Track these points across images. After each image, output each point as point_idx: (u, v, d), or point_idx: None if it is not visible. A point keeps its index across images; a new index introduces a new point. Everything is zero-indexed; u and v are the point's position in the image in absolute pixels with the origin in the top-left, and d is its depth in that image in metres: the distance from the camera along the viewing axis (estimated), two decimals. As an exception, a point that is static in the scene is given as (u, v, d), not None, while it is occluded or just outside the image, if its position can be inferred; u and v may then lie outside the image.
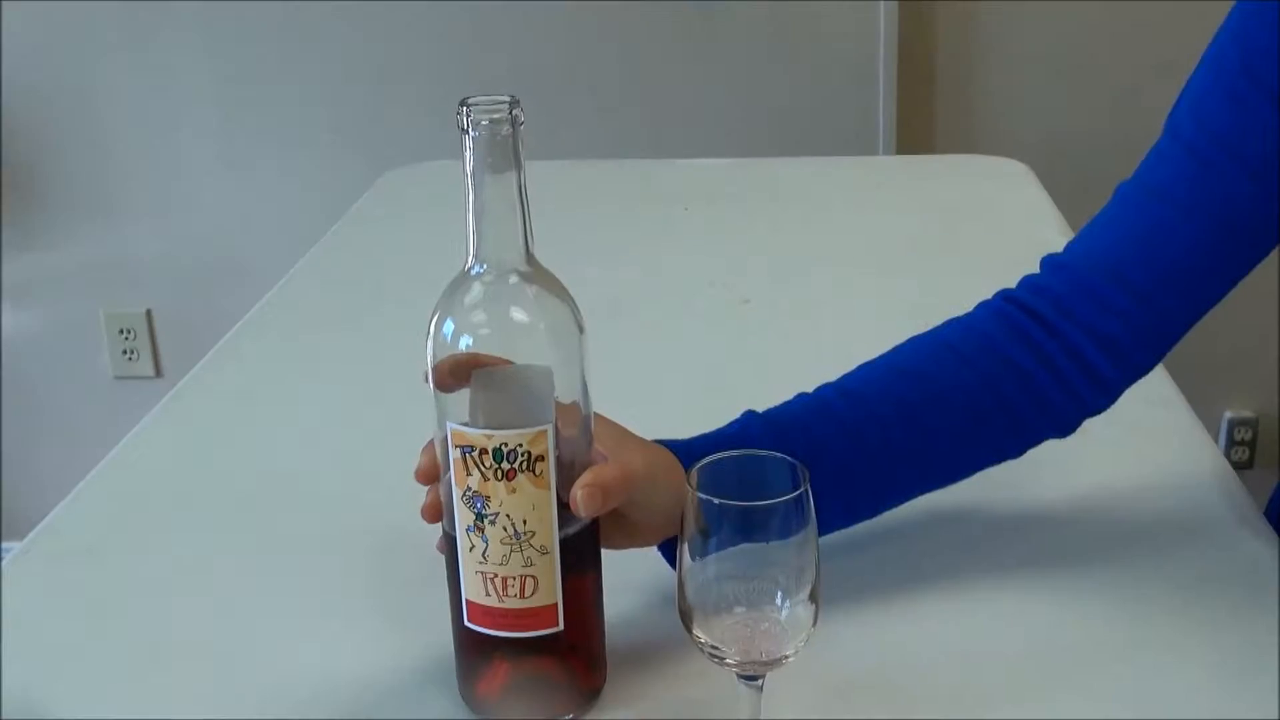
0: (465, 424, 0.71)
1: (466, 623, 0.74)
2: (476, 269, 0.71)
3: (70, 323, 2.47)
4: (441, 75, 2.28)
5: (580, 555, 0.74)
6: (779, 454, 0.69)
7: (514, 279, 0.71)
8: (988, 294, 1.38)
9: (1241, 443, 2.42)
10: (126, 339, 2.47)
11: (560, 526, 0.72)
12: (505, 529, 0.71)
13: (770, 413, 0.84)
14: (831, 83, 2.28)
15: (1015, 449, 0.88)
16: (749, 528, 0.66)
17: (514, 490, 0.70)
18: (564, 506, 0.72)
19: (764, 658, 0.68)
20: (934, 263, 1.47)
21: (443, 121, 2.47)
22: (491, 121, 0.69)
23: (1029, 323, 0.87)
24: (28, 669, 0.82)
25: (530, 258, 0.71)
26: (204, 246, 2.42)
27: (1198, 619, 0.83)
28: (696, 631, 0.68)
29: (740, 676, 0.69)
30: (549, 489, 0.71)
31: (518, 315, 0.72)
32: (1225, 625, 0.82)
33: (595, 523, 0.75)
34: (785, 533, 0.66)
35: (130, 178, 2.38)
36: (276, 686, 0.80)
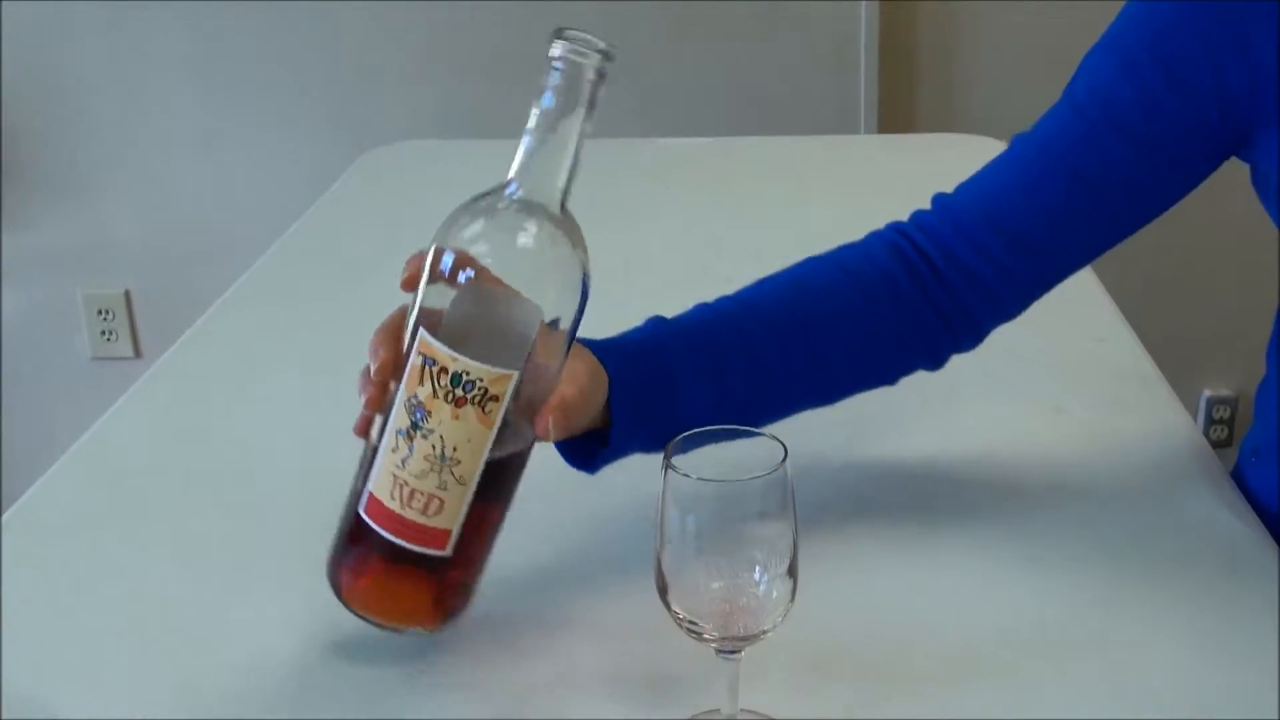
0: (437, 337, 0.70)
1: (360, 511, 0.74)
2: (510, 190, 0.71)
3: (48, 304, 2.46)
4: (421, 55, 2.27)
5: (495, 491, 0.74)
6: (757, 430, 0.68)
7: (540, 212, 0.71)
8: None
9: (1220, 421, 2.43)
10: (105, 320, 2.45)
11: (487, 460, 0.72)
12: (434, 447, 0.71)
13: (675, 318, 0.87)
14: (813, 69, 2.27)
15: (893, 375, 0.92)
16: (727, 504, 0.66)
17: (458, 417, 0.70)
18: (496, 440, 0.72)
19: (742, 633, 0.68)
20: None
21: (422, 101, 2.48)
22: (582, 58, 0.71)
23: (916, 258, 0.90)
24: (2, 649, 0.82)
25: (563, 204, 0.72)
26: (182, 227, 2.41)
27: (1174, 594, 0.83)
28: (675, 607, 0.68)
29: (718, 651, 0.69)
30: (491, 429, 0.71)
31: (528, 242, 0.72)
32: (1201, 601, 0.82)
33: (521, 462, 0.76)
34: (764, 509, 0.66)
35: (108, 159, 2.37)
36: (253, 666, 0.80)
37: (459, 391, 0.70)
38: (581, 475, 0.84)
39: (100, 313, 2.45)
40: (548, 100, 0.70)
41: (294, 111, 2.33)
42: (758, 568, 0.67)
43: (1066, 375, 1.13)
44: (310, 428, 1.08)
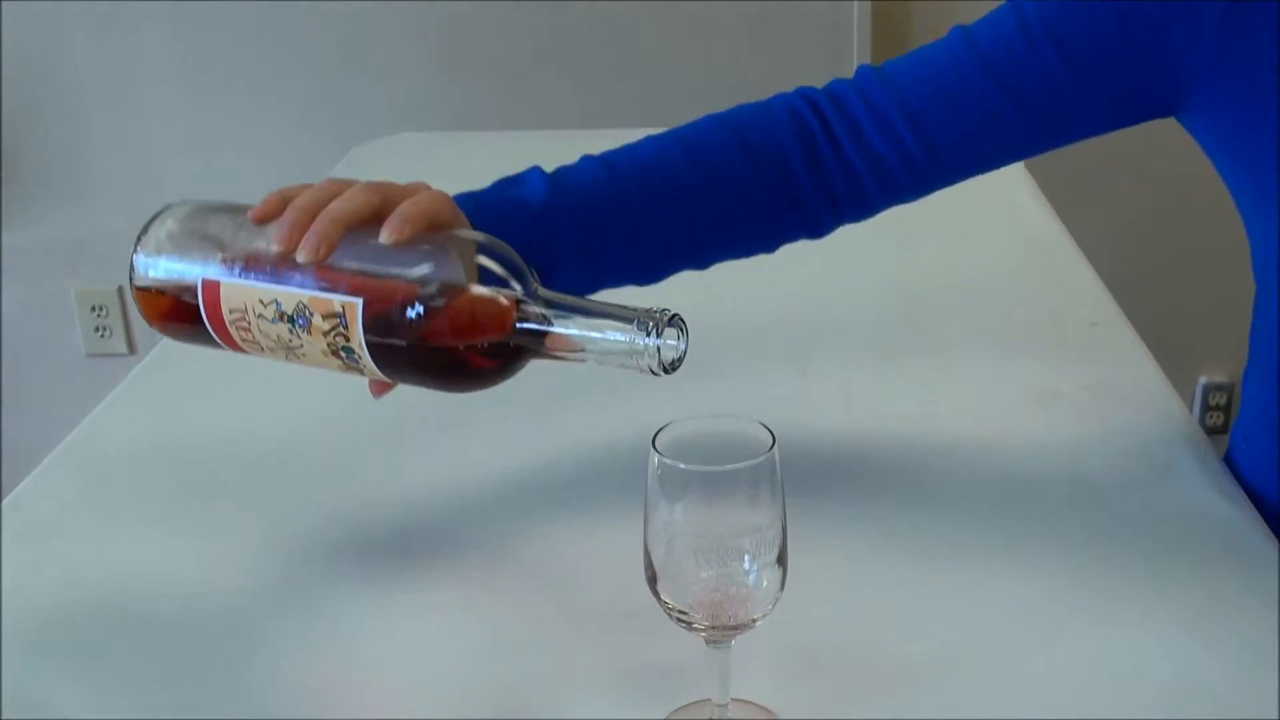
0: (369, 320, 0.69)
1: (199, 281, 0.74)
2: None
3: (42, 301, 2.45)
4: (413, 48, 2.26)
5: None
6: (745, 418, 0.68)
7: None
8: (965, 263, 1.38)
9: (1217, 407, 2.43)
10: (99, 316, 2.45)
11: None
12: (290, 343, 0.72)
13: (560, 181, 0.87)
14: (806, 68, 2.27)
15: (771, 246, 0.94)
16: (715, 491, 0.66)
17: (324, 354, 0.71)
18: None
19: (732, 622, 0.67)
20: (903, 225, 1.47)
21: (414, 94, 2.46)
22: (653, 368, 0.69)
23: (820, 136, 0.90)
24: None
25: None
26: (175, 222, 2.40)
27: (1167, 580, 0.83)
28: (664, 596, 0.67)
29: (708, 641, 0.68)
30: (342, 374, 0.73)
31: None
32: (1194, 586, 0.82)
33: None
34: (752, 496, 0.65)
35: (99, 155, 2.36)
36: (248, 658, 0.80)
37: (342, 354, 0.70)
38: (568, 465, 0.84)
39: (94, 309, 2.45)
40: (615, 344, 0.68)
41: (286, 105, 2.33)
42: (746, 556, 0.67)
43: (1059, 360, 1.12)
44: (303, 419, 1.08)
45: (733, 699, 0.71)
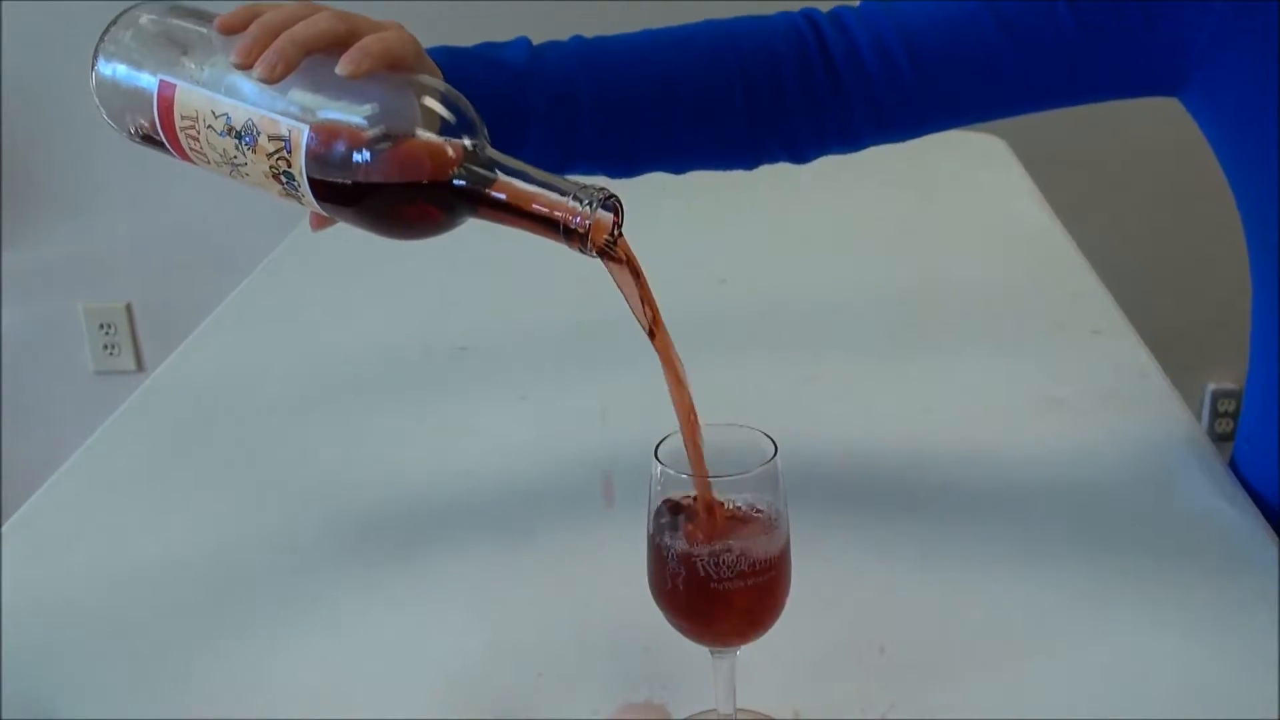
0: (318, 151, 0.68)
1: (156, 87, 0.73)
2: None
3: (50, 318, 2.46)
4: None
5: None
6: (747, 426, 0.68)
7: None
8: (968, 270, 1.38)
9: (1225, 414, 2.42)
10: (107, 333, 2.46)
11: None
12: (234, 159, 0.71)
13: (546, 56, 0.85)
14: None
15: (750, 163, 0.91)
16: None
17: (265, 178, 0.70)
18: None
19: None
20: (912, 239, 1.47)
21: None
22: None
23: (814, 48, 0.88)
24: None
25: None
26: (183, 238, 2.41)
27: (1171, 586, 0.83)
28: (667, 606, 0.67)
29: (713, 651, 0.68)
30: (279, 198, 0.71)
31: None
32: (1198, 593, 0.82)
33: None
34: (755, 505, 0.65)
35: (106, 171, 2.37)
36: (251, 679, 0.80)
37: (283, 179, 0.69)
38: (571, 475, 0.84)
39: (102, 326, 2.45)
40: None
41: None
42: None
43: (1063, 367, 1.12)
44: (312, 433, 1.09)
45: (739, 709, 0.71)
